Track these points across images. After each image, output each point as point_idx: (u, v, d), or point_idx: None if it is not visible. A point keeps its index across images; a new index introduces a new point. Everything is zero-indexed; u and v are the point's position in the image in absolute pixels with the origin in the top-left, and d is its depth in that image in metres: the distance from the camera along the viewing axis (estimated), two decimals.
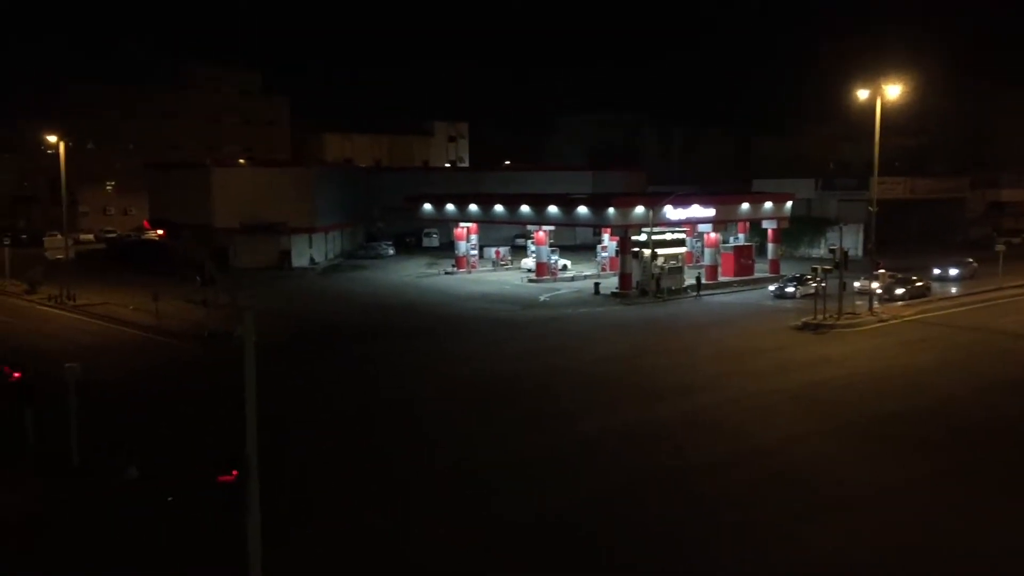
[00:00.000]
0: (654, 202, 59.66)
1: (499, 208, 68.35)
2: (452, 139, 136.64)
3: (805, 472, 25.00)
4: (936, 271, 62.51)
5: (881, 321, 47.83)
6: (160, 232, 79.72)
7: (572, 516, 22.18)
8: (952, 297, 56.02)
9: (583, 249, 74.67)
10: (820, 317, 46.88)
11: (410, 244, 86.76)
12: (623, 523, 21.75)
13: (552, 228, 64.91)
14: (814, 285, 50.57)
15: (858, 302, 50.64)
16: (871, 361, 38.66)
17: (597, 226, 64.19)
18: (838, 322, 46.67)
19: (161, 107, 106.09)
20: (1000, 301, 53.80)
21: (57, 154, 62.41)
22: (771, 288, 57.76)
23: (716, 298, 57.19)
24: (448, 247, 76.60)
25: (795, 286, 55.83)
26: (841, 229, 60.50)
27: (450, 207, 71.62)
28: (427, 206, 73.89)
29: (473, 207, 69.96)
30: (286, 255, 73.85)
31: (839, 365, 37.93)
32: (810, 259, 72.11)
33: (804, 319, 47.17)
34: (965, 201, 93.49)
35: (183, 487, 22.98)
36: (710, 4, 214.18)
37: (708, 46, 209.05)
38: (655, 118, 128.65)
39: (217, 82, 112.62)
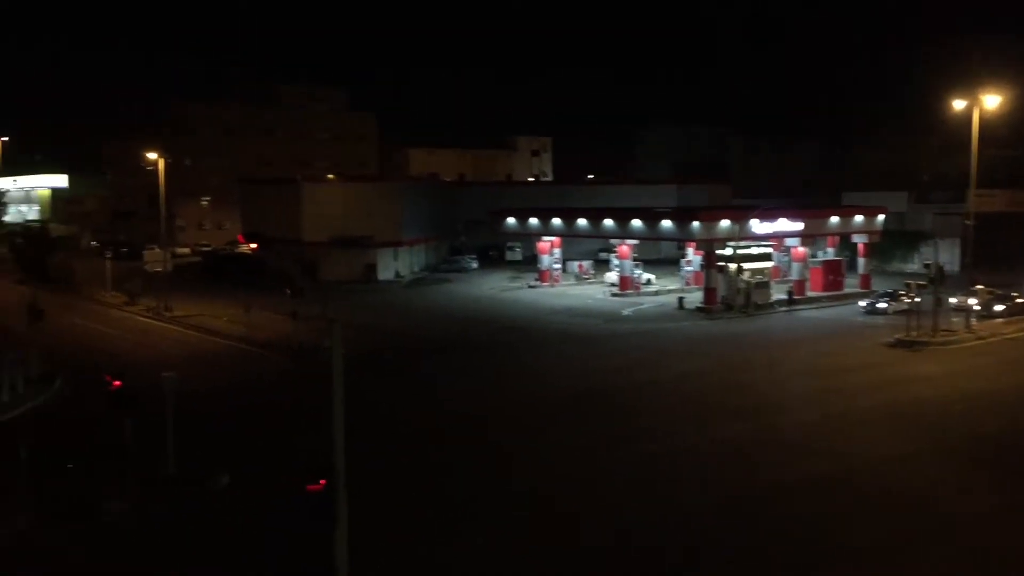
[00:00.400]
0: (740, 216, 58.78)
1: (582, 222, 68.28)
2: (535, 153, 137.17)
3: (905, 495, 24.22)
4: None
5: (979, 339, 46.12)
6: (253, 246, 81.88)
7: (656, 539, 21.95)
8: None
9: (667, 263, 74.00)
10: (914, 334, 45.46)
11: (493, 258, 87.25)
12: (715, 546, 21.42)
13: (636, 242, 64.54)
14: (907, 301, 49.07)
15: (954, 319, 48.91)
16: (969, 380, 37.31)
17: (681, 240, 63.59)
18: (933, 339, 45.17)
19: (255, 125, 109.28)
20: None
21: (156, 171, 64.85)
22: (862, 304, 56.24)
23: (804, 313, 56.00)
24: (531, 261, 76.81)
25: (887, 302, 54.26)
26: (936, 243, 58.56)
27: (533, 221, 71.85)
28: (510, 220, 74.28)
29: (556, 221, 70.04)
30: (372, 268, 75.11)
31: (935, 384, 36.72)
32: (903, 274, 69.95)
33: (897, 336, 45.80)
34: None
35: (273, 495, 23.55)
36: (797, 15, 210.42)
37: (797, 57, 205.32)
38: (742, 130, 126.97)
39: (307, 100, 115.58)
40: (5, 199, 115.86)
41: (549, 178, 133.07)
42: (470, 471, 26.98)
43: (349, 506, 15.86)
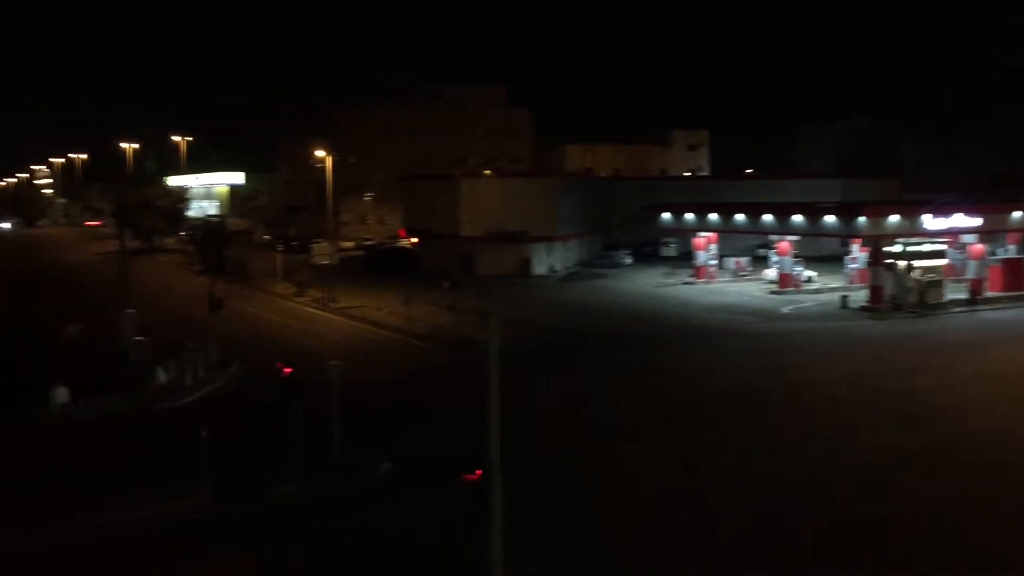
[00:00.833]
0: (911, 211, 55.90)
1: (740, 217, 66.66)
2: (692, 148, 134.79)
3: None
4: None
5: None
6: (414, 240, 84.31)
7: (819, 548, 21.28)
8: None
9: (829, 260, 71.26)
10: None
11: (648, 253, 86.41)
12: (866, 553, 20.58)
13: (797, 238, 62.48)
14: None
15: None
16: None
17: (846, 236, 61.07)
18: None
19: (415, 124, 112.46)
20: None
21: (324, 168, 67.85)
22: None
23: (982, 314, 52.74)
24: (686, 257, 75.66)
25: None
26: None
27: (689, 216, 70.73)
28: (666, 215, 73.39)
29: (713, 216, 68.68)
30: (527, 263, 75.91)
31: None
32: None
33: None
34: None
35: (431, 483, 24.26)
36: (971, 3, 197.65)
37: (973, 43, 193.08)
38: (912, 123, 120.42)
39: (466, 98, 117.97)
40: (188, 195, 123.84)
41: (705, 173, 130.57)
42: (620, 468, 26.91)
43: (504, 496, 16.20)
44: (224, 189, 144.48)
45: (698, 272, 69.63)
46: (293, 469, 25.55)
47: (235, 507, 23.74)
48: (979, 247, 57.80)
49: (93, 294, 61.08)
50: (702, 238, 69.55)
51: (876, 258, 55.38)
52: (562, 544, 21.27)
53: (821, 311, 55.02)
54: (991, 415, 31.36)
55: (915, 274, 54.06)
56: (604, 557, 20.66)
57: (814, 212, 60.74)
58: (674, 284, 68.79)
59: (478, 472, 15.73)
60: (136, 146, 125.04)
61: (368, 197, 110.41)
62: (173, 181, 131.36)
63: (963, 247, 60.45)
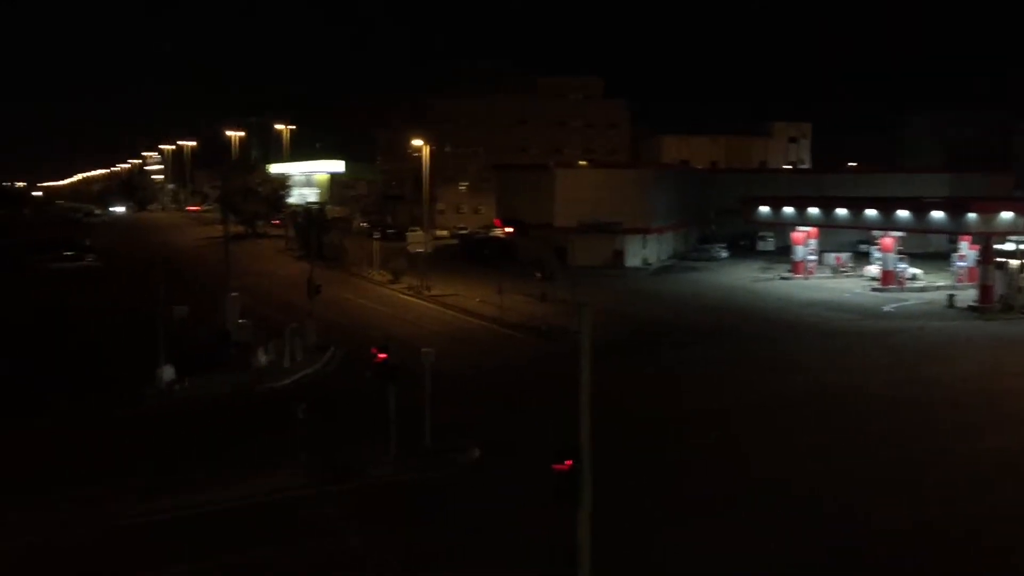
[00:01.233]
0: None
1: (842, 211, 64.93)
2: (793, 140, 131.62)
3: None
4: None
5: None
6: (509, 229, 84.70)
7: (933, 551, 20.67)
8: None
9: (935, 258, 68.80)
10: None
11: (744, 247, 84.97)
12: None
13: (901, 234, 60.51)
14: None
15: None
16: None
17: (954, 233, 58.91)
18: None
19: (511, 114, 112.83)
20: None
21: (421, 157, 68.77)
22: None
23: None
24: (784, 251, 74.07)
25: None
26: None
27: (788, 210, 69.20)
28: (763, 208, 71.97)
29: (813, 210, 67.06)
30: (620, 255, 75.50)
31: None
32: None
33: None
34: None
35: (521, 472, 24.47)
36: None
37: None
38: None
39: (562, 89, 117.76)
40: (289, 183, 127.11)
41: (806, 166, 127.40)
42: (707, 463, 26.62)
43: (592, 488, 16.21)
44: (324, 177, 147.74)
45: (796, 267, 68.11)
46: (386, 452, 26.10)
47: (330, 487, 24.38)
48: None
49: (199, 277, 63.35)
50: (801, 232, 67.98)
51: (986, 256, 53.23)
52: (654, 538, 21.20)
53: (926, 310, 53.22)
54: None
55: None
56: (698, 557, 20.50)
57: (920, 207, 58.75)
58: (771, 279, 67.50)
59: (568, 462, 15.75)
60: (241, 134, 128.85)
61: (463, 186, 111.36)
62: (275, 169, 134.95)
63: None
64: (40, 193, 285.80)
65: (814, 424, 30.57)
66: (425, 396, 27.17)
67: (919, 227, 59.19)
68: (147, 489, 24.06)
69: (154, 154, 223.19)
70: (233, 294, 44.06)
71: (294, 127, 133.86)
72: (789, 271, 68.43)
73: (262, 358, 37.96)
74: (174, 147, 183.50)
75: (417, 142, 74.03)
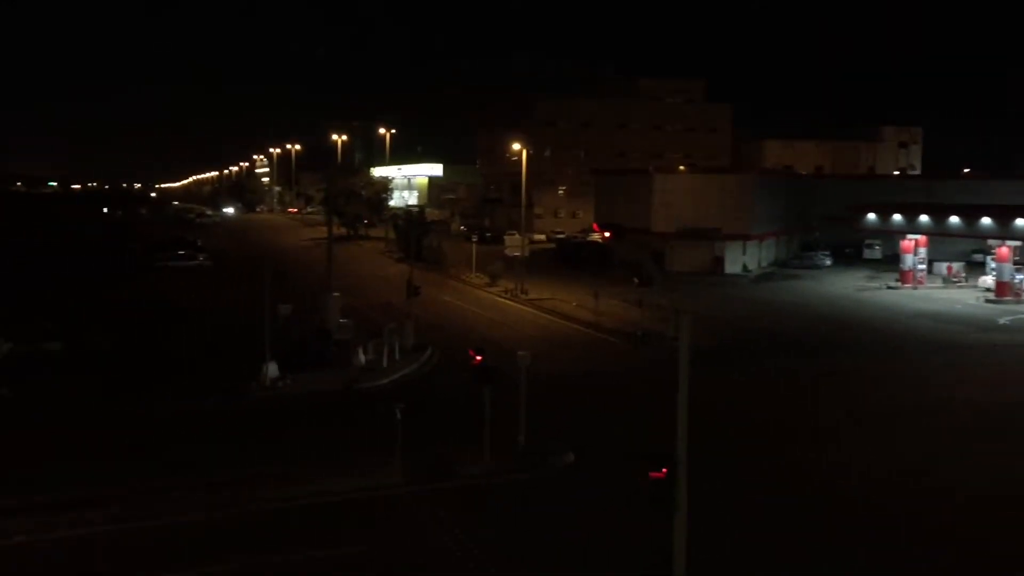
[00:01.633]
0: None
1: (954, 219, 62.54)
2: (903, 145, 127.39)
3: None
4: None
5: None
6: (607, 234, 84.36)
7: None
8: None
9: None
10: None
11: (849, 255, 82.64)
12: None
13: (1018, 243, 57.89)
14: None
15: None
16: None
17: None
18: None
19: (611, 118, 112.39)
20: None
21: (520, 161, 69.15)
22: None
23: None
24: (891, 260, 71.75)
25: None
26: None
27: (897, 217, 67.01)
28: (870, 216, 69.88)
29: (924, 218, 64.78)
30: (719, 261, 74.34)
31: None
32: None
33: None
34: None
35: (615, 477, 24.37)
36: None
37: None
38: None
39: (662, 92, 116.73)
40: (391, 186, 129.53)
41: (917, 172, 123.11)
42: (801, 477, 25.97)
43: (689, 497, 16.06)
44: (424, 180, 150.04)
45: (904, 276, 65.89)
46: (481, 453, 26.34)
47: (425, 486, 24.74)
48: None
49: (302, 277, 65.12)
50: (910, 241, 65.73)
51: None
52: (752, 549, 20.86)
53: None
54: None
55: None
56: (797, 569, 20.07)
57: None
58: (877, 288, 65.50)
59: (664, 470, 15.64)
60: (345, 138, 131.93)
61: (562, 190, 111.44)
62: (377, 171, 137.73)
63: None
64: (155, 194, 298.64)
65: (915, 438, 29.51)
66: (520, 399, 27.32)
67: None
68: (244, 482, 24.82)
69: (261, 157, 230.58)
70: (335, 294, 45.11)
71: (395, 131, 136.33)
72: (897, 280, 66.25)
73: (362, 357, 38.74)
74: (280, 150, 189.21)
75: (516, 146, 74.47)
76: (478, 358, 27.38)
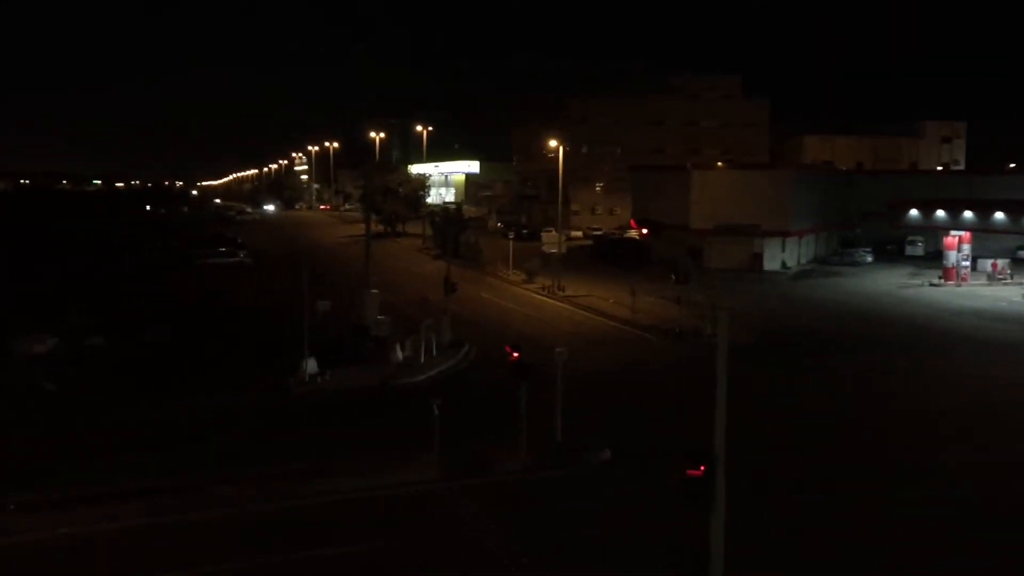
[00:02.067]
0: None
1: (999, 216, 61.47)
2: (946, 140, 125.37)
3: None
4: None
5: None
6: (644, 231, 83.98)
7: None
8: None
9: None
10: None
11: (891, 252, 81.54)
12: None
13: None
14: None
15: None
16: None
17: None
18: None
19: (647, 115, 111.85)
20: None
21: (556, 158, 69.10)
22: None
23: None
24: (934, 257, 70.69)
25: None
26: None
27: (940, 213, 65.99)
28: (913, 212, 68.86)
29: (968, 214, 63.73)
30: (758, 258, 73.69)
31: None
32: None
33: None
34: None
35: (652, 474, 24.30)
36: None
37: None
38: None
39: (699, 88, 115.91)
40: (428, 183, 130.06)
41: (961, 167, 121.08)
42: (838, 476, 25.70)
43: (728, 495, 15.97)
44: (460, 177, 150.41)
45: (947, 273, 64.87)
46: (518, 449, 26.39)
47: (462, 481, 24.84)
48: None
49: (341, 273, 65.61)
50: (954, 237, 64.67)
51: None
52: (788, 551, 20.71)
53: None
54: None
55: None
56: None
57: None
58: (920, 285, 64.55)
59: (702, 467, 15.56)
60: (383, 135, 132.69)
61: (599, 187, 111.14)
62: (414, 169, 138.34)
63: None
64: (196, 192, 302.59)
65: (956, 438, 29.07)
66: (557, 395, 27.32)
67: None
68: (282, 477, 25.09)
69: (300, 155, 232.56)
70: (372, 291, 45.41)
71: (431, 128, 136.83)
72: (940, 277, 65.24)
73: (399, 354, 38.97)
74: (318, 148, 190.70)
75: (552, 143, 74.45)
76: (515, 355, 27.41)
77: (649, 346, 44.47)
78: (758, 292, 62.27)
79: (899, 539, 21.40)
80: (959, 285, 63.50)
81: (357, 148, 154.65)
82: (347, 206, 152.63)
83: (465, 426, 28.76)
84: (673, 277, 52.72)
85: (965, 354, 42.16)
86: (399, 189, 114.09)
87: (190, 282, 66.31)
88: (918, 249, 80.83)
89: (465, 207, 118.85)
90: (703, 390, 18.04)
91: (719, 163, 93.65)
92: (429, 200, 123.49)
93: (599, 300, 57.13)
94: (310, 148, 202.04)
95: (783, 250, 75.05)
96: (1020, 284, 62.38)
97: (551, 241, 72.17)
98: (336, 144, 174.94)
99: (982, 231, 64.22)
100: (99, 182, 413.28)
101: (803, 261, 77.66)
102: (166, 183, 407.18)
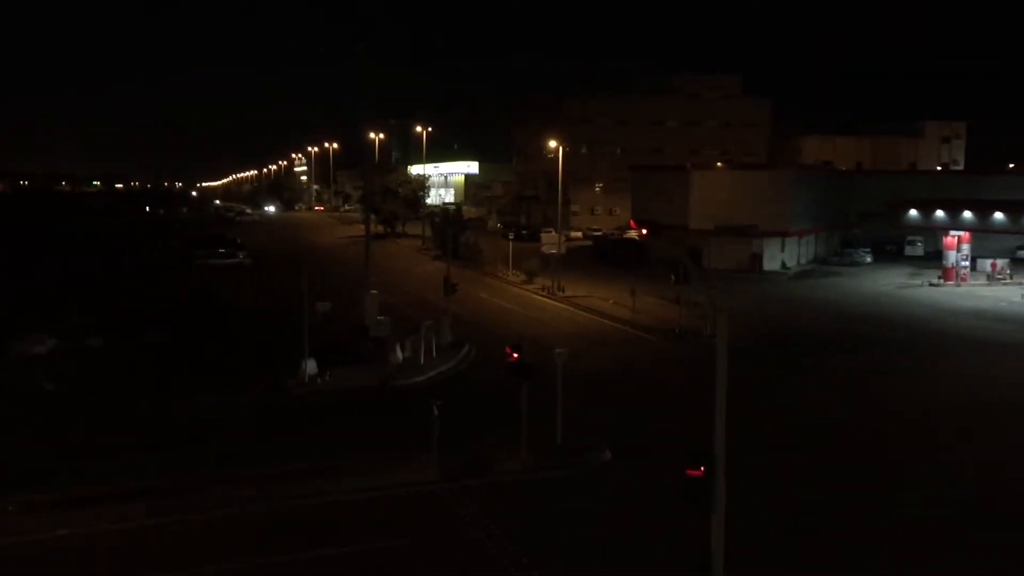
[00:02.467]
0: None
1: (999, 216, 61.52)
2: (946, 140, 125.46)
3: None
4: None
5: None
6: (644, 231, 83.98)
7: None
8: None
9: None
10: None
11: (890, 252, 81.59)
12: None
13: None
14: None
15: None
16: None
17: None
18: None
19: (647, 115, 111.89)
20: None
21: (556, 158, 69.10)
22: None
23: None
24: (933, 257, 70.73)
25: None
26: None
27: (939, 214, 66.04)
28: (912, 212, 68.92)
29: (967, 214, 63.77)
30: (757, 258, 73.72)
31: None
32: None
33: None
34: None
35: (652, 475, 24.29)
36: None
37: None
38: None
39: (699, 88, 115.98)
40: (427, 183, 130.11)
41: (960, 167, 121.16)
42: (835, 474, 25.70)
43: (728, 495, 15.95)
44: (460, 178, 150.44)
45: (947, 273, 64.91)
46: (518, 449, 26.37)
47: (461, 482, 24.82)
48: None
49: (340, 274, 65.58)
50: (953, 237, 64.70)
51: None
52: (788, 552, 20.70)
53: None
54: None
55: None
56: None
57: None
58: (919, 285, 64.58)
59: (702, 468, 15.54)
60: (382, 136, 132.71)
61: (598, 188, 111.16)
62: (414, 169, 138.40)
63: None
64: (196, 193, 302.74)
65: (955, 439, 29.07)
66: (557, 396, 27.31)
67: None
68: (282, 478, 25.07)
69: (299, 156, 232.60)
70: (372, 291, 45.39)
71: (431, 128, 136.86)
72: (939, 278, 65.27)
73: (399, 354, 38.95)
74: (317, 149, 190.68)
75: (552, 143, 74.47)
76: (515, 355, 27.39)
77: (649, 346, 44.47)
78: (758, 292, 62.28)
79: (899, 539, 21.41)
80: (959, 285, 63.53)
81: (356, 149, 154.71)
82: (346, 206, 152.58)
83: (465, 427, 28.75)
84: (673, 277, 52.68)
85: (964, 354, 42.17)
86: (399, 190, 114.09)
87: (190, 283, 66.29)
88: (917, 249, 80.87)
89: (465, 208, 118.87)
90: (703, 390, 18.02)
91: (719, 163, 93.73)
92: (429, 201, 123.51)
93: (599, 300, 57.13)
94: (309, 149, 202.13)
95: (783, 250, 75.09)
96: (1020, 284, 62.39)
97: (551, 241, 72.12)
98: (335, 145, 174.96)
99: (981, 231, 64.27)
100: (98, 183, 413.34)
101: (803, 261, 77.69)
102: (165, 184, 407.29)
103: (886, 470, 26.18)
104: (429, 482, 24.87)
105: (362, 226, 63.01)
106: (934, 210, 66.75)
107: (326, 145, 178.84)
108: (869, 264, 76.90)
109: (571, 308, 55.91)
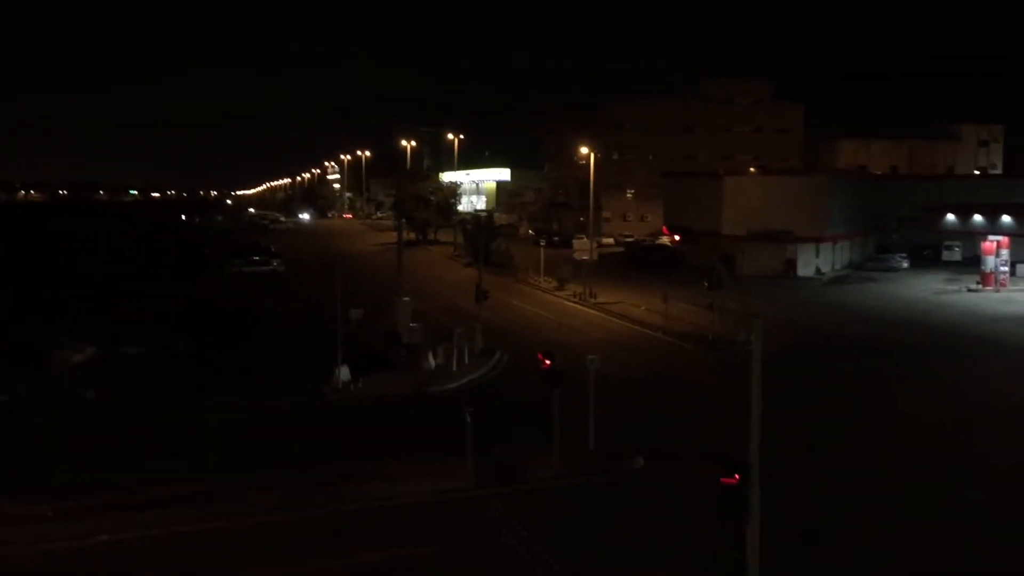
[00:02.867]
0: None
1: None
2: (984, 143, 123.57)
3: None
4: None
5: None
6: (676, 238, 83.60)
7: None
8: None
9: None
10: None
11: (927, 257, 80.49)
12: None
13: None
14: None
15: None
16: None
17: None
18: None
19: (679, 120, 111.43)
20: None
21: (588, 165, 69.06)
22: None
23: None
24: (972, 262, 69.62)
25: None
26: None
27: (977, 218, 65.17)
28: (949, 216, 68.09)
29: (1006, 218, 62.83)
30: (791, 264, 73.08)
31: None
32: None
33: None
34: None
35: (685, 482, 24.15)
36: None
37: None
38: None
39: (728, 93, 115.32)
40: (459, 191, 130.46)
41: (998, 171, 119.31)
42: (870, 480, 25.39)
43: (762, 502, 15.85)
44: (491, 185, 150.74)
45: (985, 279, 63.91)
46: (551, 456, 26.35)
47: (494, 489, 24.83)
48: None
49: (373, 281, 65.99)
50: (991, 242, 63.74)
51: None
52: (822, 557, 20.50)
53: None
54: None
55: None
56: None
57: None
58: (956, 291, 63.66)
59: (736, 476, 15.46)
60: (414, 143, 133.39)
61: (630, 194, 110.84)
62: (446, 177, 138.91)
63: None
64: (231, 201, 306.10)
65: (988, 444, 28.61)
66: (590, 403, 27.26)
67: None
68: (311, 484, 25.23)
69: (332, 163, 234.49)
70: (404, 299, 45.60)
71: (462, 136, 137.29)
72: (977, 283, 64.30)
73: (431, 361, 39.10)
74: (350, 157, 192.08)
75: (583, 150, 74.45)
76: (547, 362, 27.40)
77: (682, 353, 44.25)
78: (792, 298, 61.73)
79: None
80: (997, 291, 62.54)
81: (388, 156, 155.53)
82: (379, 214, 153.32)
83: (498, 433, 28.75)
84: (706, 284, 52.41)
85: (1002, 360, 41.50)
86: (431, 197, 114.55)
87: (225, 290, 67.02)
88: (955, 254, 79.70)
89: (496, 214, 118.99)
90: (736, 397, 17.92)
91: (752, 168, 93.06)
92: (460, 208, 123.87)
93: (631, 307, 56.95)
94: (342, 157, 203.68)
95: (817, 256, 74.37)
96: None
97: (582, 248, 72.04)
98: (368, 153, 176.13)
99: (1020, 236, 63.25)
100: (136, 192, 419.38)
101: (837, 267, 76.90)
102: (201, 192, 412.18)
103: (923, 473, 25.80)
104: (462, 488, 24.92)
105: (394, 233, 63.32)
106: (972, 214, 65.87)
107: (358, 153, 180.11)
108: (905, 269, 75.93)
109: (603, 314, 55.78)
